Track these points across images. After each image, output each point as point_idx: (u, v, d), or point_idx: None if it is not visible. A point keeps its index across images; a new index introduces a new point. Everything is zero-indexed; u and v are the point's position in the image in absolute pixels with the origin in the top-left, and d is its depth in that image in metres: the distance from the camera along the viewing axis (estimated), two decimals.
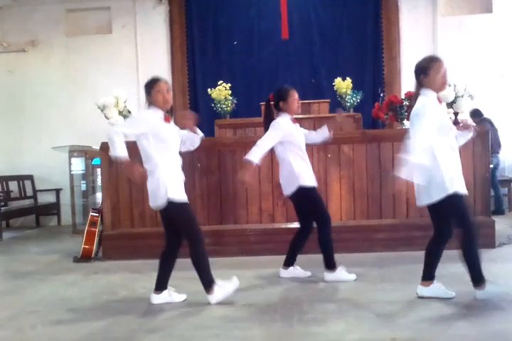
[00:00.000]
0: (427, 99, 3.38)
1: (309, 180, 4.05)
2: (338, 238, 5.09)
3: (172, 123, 3.64)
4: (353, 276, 4.06)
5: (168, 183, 3.44)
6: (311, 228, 4.17)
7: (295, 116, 4.23)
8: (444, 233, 3.45)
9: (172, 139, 3.55)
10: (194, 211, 3.66)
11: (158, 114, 3.53)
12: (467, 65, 7.88)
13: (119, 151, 3.32)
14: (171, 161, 3.52)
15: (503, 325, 2.91)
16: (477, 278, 3.38)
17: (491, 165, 7.48)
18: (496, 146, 7.56)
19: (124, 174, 5.33)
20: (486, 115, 7.62)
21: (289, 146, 4.04)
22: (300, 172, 4.01)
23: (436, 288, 3.46)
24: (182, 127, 3.69)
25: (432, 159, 3.26)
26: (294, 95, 4.15)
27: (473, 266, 3.35)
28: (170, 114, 3.64)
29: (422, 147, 3.20)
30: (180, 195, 3.51)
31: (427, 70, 3.39)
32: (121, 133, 3.36)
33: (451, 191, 3.29)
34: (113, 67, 8.57)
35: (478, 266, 3.36)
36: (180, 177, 3.57)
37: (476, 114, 7.49)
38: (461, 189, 3.35)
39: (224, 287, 3.55)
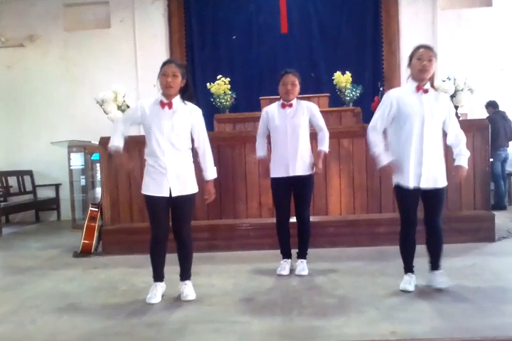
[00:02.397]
0: (396, 89, 3.61)
1: (273, 171, 4.11)
2: (338, 232, 5.13)
3: (174, 110, 3.42)
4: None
5: (144, 176, 3.49)
6: None
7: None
8: (402, 221, 3.54)
9: (158, 126, 3.37)
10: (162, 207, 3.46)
11: (158, 99, 3.44)
12: (467, 58, 7.86)
13: (113, 142, 3.45)
14: (153, 150, 3.39)
15: (502, 319, 2.91)
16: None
17: (501, 159, 7.54)
18: (505, 140, 7.57)
19: (123, 169, 5.35)
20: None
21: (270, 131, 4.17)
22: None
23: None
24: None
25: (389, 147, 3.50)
26: (283, 80, 4.03)
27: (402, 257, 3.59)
28: (189, 97, 3.50)
29: (371, 127, 3.49)
30: (146, 188, 3.45)
31: (410, 58, 3.46)
32: (121, 122, 3.47)
33: (396, 182, 3.49)
34: (112, 62, 8.53)
35: (405, 257, 3.56)
36: (157, 170, 3.39)
37: (490, 105, 7.53)
38: (404, 181, 3.42)
39: (156, 295, 3.51)
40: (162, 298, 3.52)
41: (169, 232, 3.50)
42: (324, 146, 4.12)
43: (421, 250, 3.54)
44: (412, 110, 3.38)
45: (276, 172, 4.09)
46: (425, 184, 3.39)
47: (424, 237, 3.51)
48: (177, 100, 3.46)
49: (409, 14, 8.29)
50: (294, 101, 4.10)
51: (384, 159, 3.45)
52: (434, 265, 3.53)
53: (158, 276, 3.57)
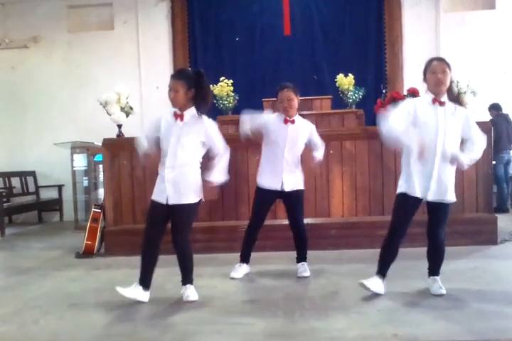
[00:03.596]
0: (414, 98, 3.59)
1: (262, 181, 4.09)
2: (340, 234, 5.13)
3: (185, 121, 3.44)
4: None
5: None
6: None
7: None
8: (392, 227, 3.53)
9: (167, 136, 3.42)
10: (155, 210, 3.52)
11: (172, 110, 3.49)
12: (470, 61, 7.85)
13: (140, 153, 3.52)
14: (164, 159, 3.45)
15: (504, 321, 2.91)
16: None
17: (504, 162, 7.55)
18: (508, 143, 7.57)
19: (126, 170, 5.37)
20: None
21: (265, 139, 4.11)
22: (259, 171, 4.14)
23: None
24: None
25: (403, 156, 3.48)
26: (278, 96, 4.03)
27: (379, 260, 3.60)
28: (203, 106, 3.51)
29: (382, 117, 3.38)
30: (153, 193, 3.53)
31: (424, 73, 3.44)
32: (143, 137, 3.53)
33: (401, 191, 3.45)
34: (115, 63, 8.56)
35: (381, 261, 3.60)
36: (161, 177, 3.46)
37: (493, 108, 7.54)
38: (411, 191, 3.40)
39: (129, 290, 3.51)
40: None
41: (162, 237, 3.51)
42: (320, 154, 4.14)
43: (423, 252, 3.55)
44: (425, 120, 3.35)
45: (267, 183, 4.06)
46: (432, 197, 3.37)
47: (426, 240, 3.51)
48: (190, 112, 3.47)
49: (412, 17, 8.30)
50: (297, 118, 4.07)
51: (406, 139, 3.29)
52: (432, 271, 3.54)
53: (143, 281, 3.53)
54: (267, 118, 4.13)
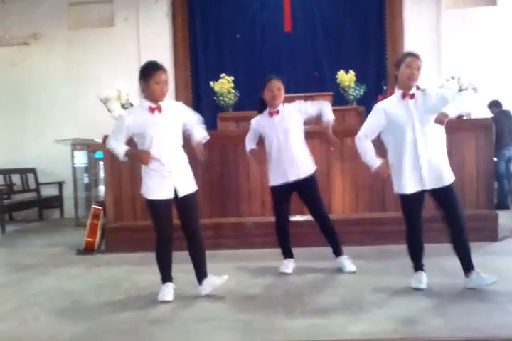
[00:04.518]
0: (384, 100, 3.61)
1: (272, 179, 4.13)
2: (341, 231, 5.10)
3: (163, 112, 3.40)
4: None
5: (143, 179, 3.49)
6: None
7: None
8: (407, 225, 3.55)
9: (155, 132, 3.34)
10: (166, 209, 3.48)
11: (144, 104, 3.42)
12: (471, 58, 7.84)
13: (120, 152, 3.41)
14: (159, 155, 3.36)
15: (505, 318, 2.91)
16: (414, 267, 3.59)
17: (505, 159, 7.53)
18: (509, 139, 7.55)
19: (126, 167, 5.36)
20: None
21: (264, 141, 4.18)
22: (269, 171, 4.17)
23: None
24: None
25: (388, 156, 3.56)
26: (268, 86, 4.09)
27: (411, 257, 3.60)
28: None
29: (357, 137, 3.61)
30: (149, 193, 3.46)
31: (399, 63, 3.44)
32: (113, 142, 3.44)
33: (396, 190, 3.53)
34: (115, 61, 8.53)
35: (413, 257, 3.58)
36: (160, 174, 3.39)
37: (494, 105, 7.52)
38: (402, 188, 3.44)
39: (165, 294, 3.49)
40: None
41: (173, 232, 3.51)
42: (328, 116, 4.05)
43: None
44: (400, 119, 3.42)
45: (276, 180, 4.10)
46: (430, 185, 3.39)
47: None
48: (163, 102, 3.46)
49: (413, 13, 8.26)
50: (281, 107, 4.10)
51: (374, 163, 3.53)
52: (467, 265, 3.45)
53: (168, 278, 3.56)
54: (256, 126, 4.20)
